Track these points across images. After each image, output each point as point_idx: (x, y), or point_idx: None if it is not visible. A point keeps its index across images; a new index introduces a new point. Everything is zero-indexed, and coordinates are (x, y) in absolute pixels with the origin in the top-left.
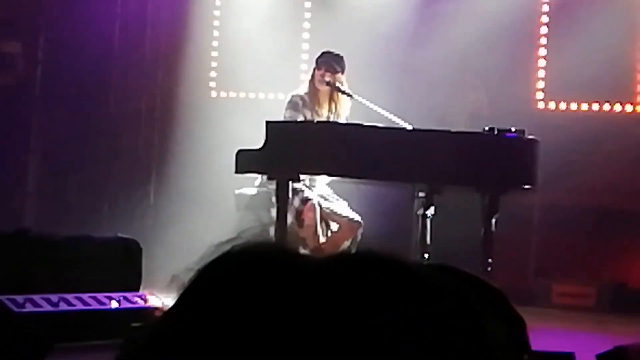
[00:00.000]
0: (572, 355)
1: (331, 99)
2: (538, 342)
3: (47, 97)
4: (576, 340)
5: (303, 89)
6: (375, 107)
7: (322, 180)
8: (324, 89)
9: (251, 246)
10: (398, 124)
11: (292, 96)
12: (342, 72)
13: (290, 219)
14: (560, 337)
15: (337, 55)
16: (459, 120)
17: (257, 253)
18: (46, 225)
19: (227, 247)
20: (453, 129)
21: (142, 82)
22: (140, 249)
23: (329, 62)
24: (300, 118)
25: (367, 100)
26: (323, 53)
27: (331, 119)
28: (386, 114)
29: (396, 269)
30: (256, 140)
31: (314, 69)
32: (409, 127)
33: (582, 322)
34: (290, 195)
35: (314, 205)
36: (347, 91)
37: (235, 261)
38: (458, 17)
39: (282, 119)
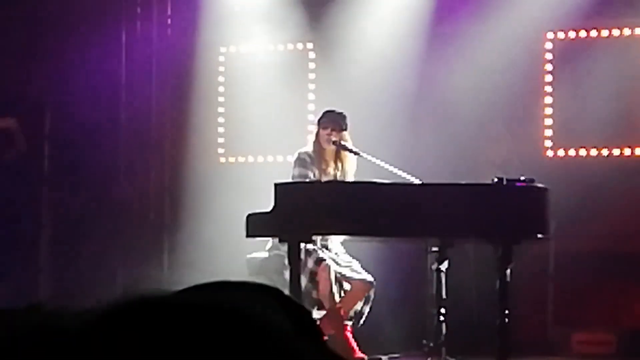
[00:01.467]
0: None
1: (337, 158)
2: None
3: (55, 172)
4: None
5: (309, 147)
6: (383, 164)
7: (336, 240)
8: (331, 148)
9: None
10: (407, 179)
11: (300, 153)
12: (346, 130)
13: (304, 280)
14: None
15: (340, 113)
16: (489, 172)
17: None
18: (60, 300)
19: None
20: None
21: (150, 151)
22: None
23: (335, 121)
24: (310, 175)
25: (374, 156)
26: (326, 112)
27: (338, 177)
28: (394, 169)
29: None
30: (266, 204)
31: (318, 128)
32: (418, 182)
33: None
34: (303, 257)
35: (328, 265)
36: (354, 149)
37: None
38: (461, 68)
39: (291, 177)
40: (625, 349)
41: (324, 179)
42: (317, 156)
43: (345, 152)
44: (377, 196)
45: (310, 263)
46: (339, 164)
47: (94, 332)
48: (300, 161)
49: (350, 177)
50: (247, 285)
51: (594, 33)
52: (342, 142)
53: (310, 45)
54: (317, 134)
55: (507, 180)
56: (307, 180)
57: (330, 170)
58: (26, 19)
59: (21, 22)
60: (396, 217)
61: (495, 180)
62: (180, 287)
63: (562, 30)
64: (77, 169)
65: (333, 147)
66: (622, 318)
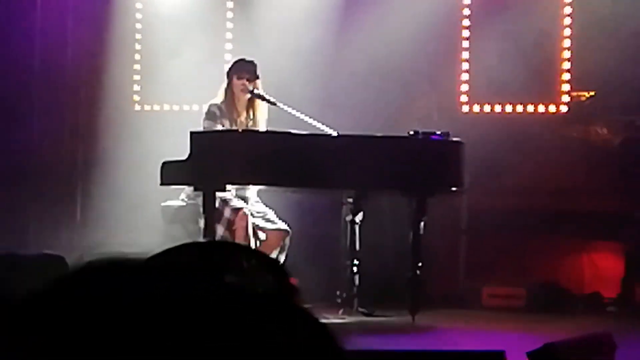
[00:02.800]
0: (502, 353)
1: (250, 107)
2: (469, 343)
3: None
4: (507, 341)
5: (220, 97)
6: (299, 114)
7: (252, 190)
8: (245, 97)
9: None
10: (322, 130)
11: (210, 106)
12: (259, 78)
13: (221, 229)
14: (491, 338)
15: (252, 62)
16: (409, 126)
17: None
18: None
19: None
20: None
21: (65, 97)
22: (67, 266)
23: (249, 70)
24: (219, 127)
25: (291, 107)
26: (238, 61)
27: (250, 126)
28: (310, 120)
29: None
30: (181, 152)
31: (231, 77)
32: (334, 133)
33: (513, 323)
34: (220, 205)
35: (245, 214)
36: (271, 99)
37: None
38: (380, 21)
39: (201, 129)
40: (534, 302)
41: (236, 128)
42: (229, 106)
43: (257, 101)
44: (292, 146)
45: (227, 212)
46: (252, 113)
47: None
48: (210, 114)
49: (262, 126)
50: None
51: None
52: (257, 91)
53: None
54: (230, 83)
55: (422, 133)
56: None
57: (243, 119)
58: None
59: None
60: (311, 168)
61: (411, 133)
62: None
63: None
64: None
65: (247, 96)
66: (531, 272)
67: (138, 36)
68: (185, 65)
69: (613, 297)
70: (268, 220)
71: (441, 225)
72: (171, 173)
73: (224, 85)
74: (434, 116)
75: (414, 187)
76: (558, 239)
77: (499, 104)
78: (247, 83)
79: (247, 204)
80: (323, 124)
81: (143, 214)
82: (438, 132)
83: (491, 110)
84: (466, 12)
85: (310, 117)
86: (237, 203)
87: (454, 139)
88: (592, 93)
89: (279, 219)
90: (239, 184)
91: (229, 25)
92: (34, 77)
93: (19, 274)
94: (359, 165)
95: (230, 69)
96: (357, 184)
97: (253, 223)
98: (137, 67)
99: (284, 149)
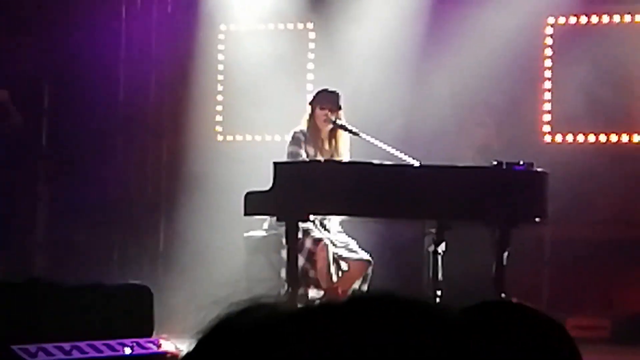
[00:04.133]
0: None
1: (332, 137)
2: None
3: (53, 146)
4: None
5: (303, 126)
6: (381, 144)
7: (334, 220)
8: (327, 127)
9: (248, 310)
10: (404, 160)
11: (295, 132)
12: (341, 109)
13: (302, 260)
14: None
15: (335, 92)
16: (467, 155)
17: (257, 318)
18: (56, 274)
19: (226, 312)
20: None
21: (148, 128)
22: (152, 295)
23: (332, 100)
24: (303, 154)
25: (372, 137)
26: (321, 91)
27: (333, 156)
28: (392, 150)
29: (414, 309)
30: (264, 182)
31: (314, 107)
32: (416, 164)
33: (598, 355)
34: (301, 236)
35: (326, 245)
36: (353, 129)
37: (234, 328)
38: (462, 51)
39: (285, 156)
40: (619, 333)
41: (319, 158)
42: (312, 136)
43: (339, 131)
44: (375, 177)
45: (308, 242)
46: (334, 143)
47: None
48: (295, 140)
49: (345, 156)
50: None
51: (594, 19)
52: (339, 121)
53: (310, 25)
54: (313, 114)
55: (506, 164)
56: (300, 159)
57: (326, 149)
58: None
59: None
60: (394, 199)
61: (495, 163)
62: (176, 263)
63: (562, 15)
64: (75, 145)
65: (329, 126)
66: (616, 304)
67: (220, 67)
68: (267, 96)
69: None
70: (351, 251)
71: (524, 256)
72: (254, 203)
73: (307, 115)
74: (494, 147)
75: (497, 217)
76: None
77: (582, 133)
78: (329, 113)
79: (330, 233)
80: (405, 154)
81: (226, 244)
82: (522, 163)
83: (574, 140)
84: (548, 41)
85: (392, 147)
86: (318, 234)
87: (538, 169)
88: None
89: (362, 249)
90: (321, 214)
91: (311, 55)
92: (118, 111)
93: (105, 304)
94: (442, 195)
95: (313, 99)
96: (440, 214)
97: (335, 253)
98: (219, 98)
99: (366, 179)
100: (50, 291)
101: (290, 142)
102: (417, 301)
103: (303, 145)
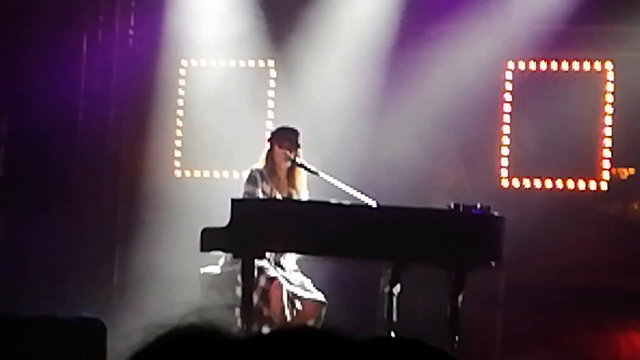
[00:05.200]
0: None
1: (290, 175)
2: None
3: (10, 177)
4: None
5: (261, 163)
6: (339, 184)
7: (290, 258)
8: (286, 165)
9: (182, 329)
10: (363, 200)
11: (252, 171)
12: (300, 147)
13: (256, 298)
14: None
15: (295, 130)
16: (440, 197)
17: (186, 336)
18: (8, 306)
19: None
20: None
21: (105, 161)
22: (105, 329)
23: (291, 138)
24: (259, 192)
25: (332, 176)
26: (280, 129)
27: (291, 194)
28: (350, 190)
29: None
30: (221, 219)
31: (273, 145)
32: (374, 204)
33: None
34: (256, 274)
35: (280, 284)
36: (312, 168)
37: (164, 345)
38: (422, 93)
39: (241, 194)
40: None
41: (277, 195)
42: (270, 173)
43: (298, 169)
44: (331, 216)
45: (263, 281)
46: (292, 181)
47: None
48: (251, 179)
49: (302, 194)
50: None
51: (554, 65)
52: (298, 160)
53: (271, 63)
54: (272, 151)
55: (463, 206)
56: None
57: (283, 187)
58: None
59: None
60: (350, 238)
61: (452, 206)
62: (130, 297)
63: (522, 60)
64: (31, 176)
65: (288, 164)
66: (567, 349)
67: (180, 102)
68: (226, 133)
69: None
70: (306, 290)
71: (478, 299)
72: (211, 239)
73: (265, 151)
74: (467, 187)
75: (453, 260)
76: (596, 317)
77: (539, 178)
78: (288, 152)
79: (285, 271)
80: (362, 194)
81: (182, 280)
82: (478, 206)
83: (531, 185)
84: (508, 86)
85: (349, 186)
86: (273, 272)
87: (495, 213)
88: (631, 170)
89: (316, 289)
90: (278, 252)
91: (271, 93)
92: (76, 144)
93: (57, 337)
94: (398, 237)
95: (272, 136)
96: (396, 255)
97: (290, 292)
98: (178, 133)
99: (322, 218)
100: (2, 323)
101: (246, 181)
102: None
103: (260, 184)
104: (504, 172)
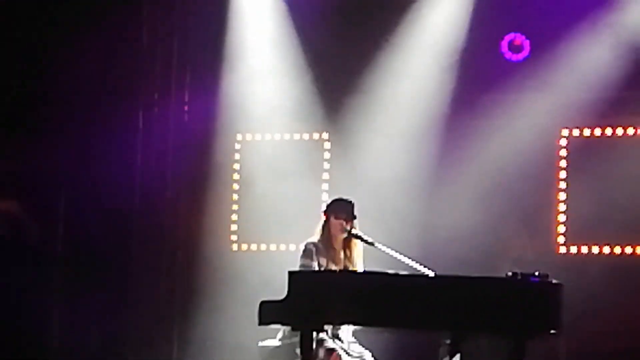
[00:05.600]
0: None
1: (346, 246)
2: None
3: (69, 254)
4: None
5: (316, 236)
6: (395, 254)
7: (347, 330)
8: (342, 236)
9: None
10: (419, 270)
11: (307, 244)
12: (356, 218)
13: None
14: None
15: (349, 201)
16: (503, 267)
17: None
18: None
19: None
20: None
21: (164, 236)
22: None
23: (346, 210)
24: (315, 265)
25: (387, 246)
26: (335, 200)
27: (347, 266)
28: (407, 260)
29: None
30: (279, 292)
31: (328, 217)
32: (431, 274)
33: None
34: (314, 346)
35: (339, 355)
36: (369, 239)
37: None
38: (478, 162)
39: (297, 267)
40: None
41: (333, 267)
42: (326, 245)
43: (354, 241)
44: (389, 287)
45: (322, 353)
46: (348, 253)
47: None
48: (307, 252)
49: (359, 266)
50: None
51: (608, 131)
52: (354, 231)
53: (325, 135)
54: (328, 223)
55: (521, 275)
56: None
57: (340, 258)
58: (42, 96)
59: (37, 99)
60: (408, 309)
61: (510, 274)
62: None
63: (577, 127)
64: (90, 253)
65: (343, 235)
66: None
67: (236, 176)
68: (282, 206)
69: None
70: None
71: None
72: (269, 313)
73: (321, 223)
74: (529, 256)
75: (512, 329)
76: None
77: (597, 245)
78: (344, 223)
79: (343, 343)
80: (420, 264)
81: (240, 354)
82: (537, 274)
83: (588, 251)
84: (563, 152)
85: (407, 257)
86: (332, 344)
87: (553, 281)
88: None
89: None
90: (336, 324)
91: (326, 165)
92: (133, 218)
93: None
94: (457, 306)
95: (327, 208)
96: (454, 325)
97: None
98: (234, 207)
99: (380, 290)
100: None
101: (302, 254)
102: None
103: (315, 258)
104: (561, 239)
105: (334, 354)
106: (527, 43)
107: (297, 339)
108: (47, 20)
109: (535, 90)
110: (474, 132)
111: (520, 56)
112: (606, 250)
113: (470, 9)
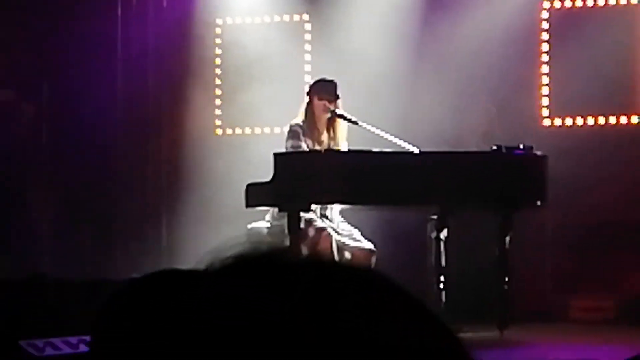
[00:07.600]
0: None
1: (330, 126)
2: (559, 354)
3: (53, 146)
4: (598, 353)
5: (300, 117)
6: (380, 132)
7: (335, 209)
8: (325, 117)
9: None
10: (404, 147)
11: (291, 125)
12: (339, 98)
13: (305, 250)
14: (581, 351)
15: (332, 81)
16: (469, 142)
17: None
18: (60, 271)
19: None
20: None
21: (148, 124)
22: None
23: (329, 90)
24: (304, 146)
25: (371, 125)
26: (318, 81)
27: (331, 146)
28: (391, 138)
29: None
30: (265, 174)
31: (312, 97)
32: (416, 150)
33: (603, 335)
34: (304, 226)
35: (329, 234)
36: (352, 118)
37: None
38: (459, 37)
39: (284, 150)
40: (624, 314)
41: (318, 148)
42: (310, 126)
43: (338, 120)
44: (375, 165)
45: (312, 231)
46: (332, 133)
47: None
48: (293, 133)
49: (343, 145)
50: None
51: (590, 2)
52: (338, 111)
53: (306, 17)
54: (311, 104)
55: (506, 147)
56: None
57: (324, 139)
58: None
59: None
60: (395, 186)
61: (494, 148)
62: (179, 256)
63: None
64: (74, 142)
65: (327, 116)
66: (621, 285)
67: (218, 61)
68: (264, 89)
69: None
70: (355, 240)
71: (526, 240)
72: (256, 195)
73: (304, 105)
74: (496, 131)
75: (499, 202)
76: None
77: (581, 116)
78: (327, 103)
79: (332, 222)
80: (405, 141)
81: (229, 237)
82: (521, 147)
83: (573, 123)
84: (545, 25)
85: (390, 135)
86: (321, 223)
87: (538, 152)
88: None
89: (365, 238)
90: (323, 204)
91: (307, 46)
92: (117, 108)
93: None
94: (443, 181)
95: (310, 89)
96: (441, 200)
97: (339, 241)
98: (217, 92)
99: (366, 168)
100: (57, 287)
101: (288, 135)
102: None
103: (301, 138)
104: (545, 112)
105: (324, 232)
106: None
107: (285, 220)
108: None
109: None
110: (454, 8)
111: None
112: (590, 121)
113: None
